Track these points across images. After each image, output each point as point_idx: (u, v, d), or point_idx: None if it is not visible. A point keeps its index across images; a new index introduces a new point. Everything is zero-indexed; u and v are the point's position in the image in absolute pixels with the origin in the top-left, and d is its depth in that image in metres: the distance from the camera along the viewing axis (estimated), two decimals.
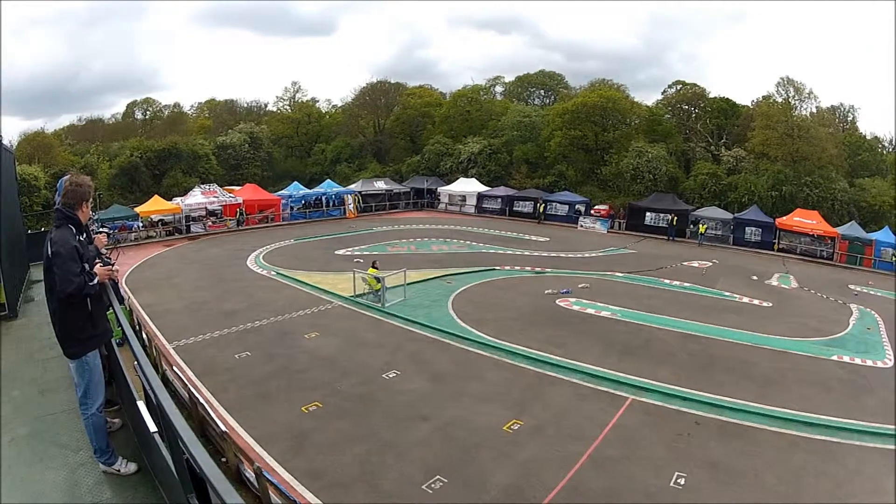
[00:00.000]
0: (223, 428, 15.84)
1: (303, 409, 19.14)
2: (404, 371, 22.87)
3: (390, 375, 22.35)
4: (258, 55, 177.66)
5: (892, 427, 19.87)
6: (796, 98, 71.30)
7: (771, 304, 36.30)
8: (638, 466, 16.69)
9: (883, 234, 54.75)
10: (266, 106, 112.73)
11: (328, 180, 75.44)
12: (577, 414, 19.97)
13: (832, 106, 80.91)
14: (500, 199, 74.21)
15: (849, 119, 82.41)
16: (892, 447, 18.65)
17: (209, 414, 16.70)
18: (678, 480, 15.99)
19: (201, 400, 17.33)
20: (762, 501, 15.28)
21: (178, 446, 5.03)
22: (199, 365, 22.46)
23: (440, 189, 78.71)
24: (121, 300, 11.28)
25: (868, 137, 79.79)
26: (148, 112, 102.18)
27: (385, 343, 26.20)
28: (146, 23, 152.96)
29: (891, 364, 26.87)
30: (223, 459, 15.06)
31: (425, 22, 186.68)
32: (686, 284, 40.19)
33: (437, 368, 23.43)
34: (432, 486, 15.17)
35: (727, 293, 38.42)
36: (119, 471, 7.69)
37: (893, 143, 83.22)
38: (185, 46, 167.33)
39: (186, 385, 18.58)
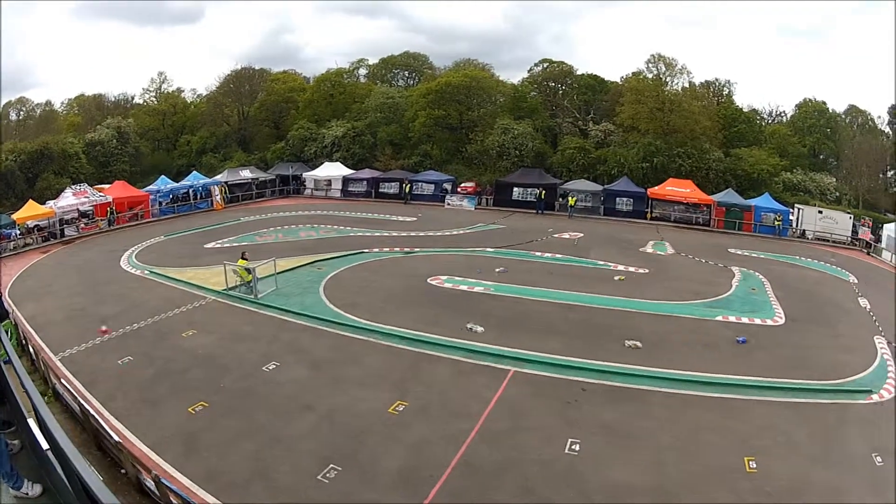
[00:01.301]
0: (117, 438, 15.79)
1: (189, 409, 19.44)
2: (283, 362, 23.47)
3: (270, 367, 22.91)
4: (127, 47, 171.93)
5: (788, 381, 21.66)
6: (667, 74, 73.47)
7: (647, 271, 38.12)
8: (529, 437, 17.75)
9: (763, 200, 58.06)
10: (133, 98, 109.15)
11: (194, 172, 74.09)
12: (460, 390, 21.00)
13: (706, 81, 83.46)
14: (365, 182, 74.57)
15: (724, 93, 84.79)
16: (793, 400, 20.38)
17: (101, 425, 16.68)
18: (572, 447, 17.08)
19: (91, 412, 17.47)
20: (662, 459, 16.49)
21: (69, 463, 5.26)
22: (86, 375, 22.37)
23: (305, 175, 78.39)
24: (4, 315, 11.66)
25: (746, 110, 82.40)
26: (21, 112, 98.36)
27: (261, 335, 26.74)
28: (21, 19, 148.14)
29: (782, 322, 28.90)
30: (122, 471, 15.32)
31: (293, 8, 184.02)
32: (559, 256, 41.85)
33: (315, 356, 24.17)
34: (327, 475, 15.79)
35: (602, 262, 40.09)
36: (28, 494, 7.29)
37: (773, 114, 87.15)
38: (57, 41, 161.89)
39: (76, 397, 18.59)
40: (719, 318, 29.13)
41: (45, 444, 6.28)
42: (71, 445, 5.11)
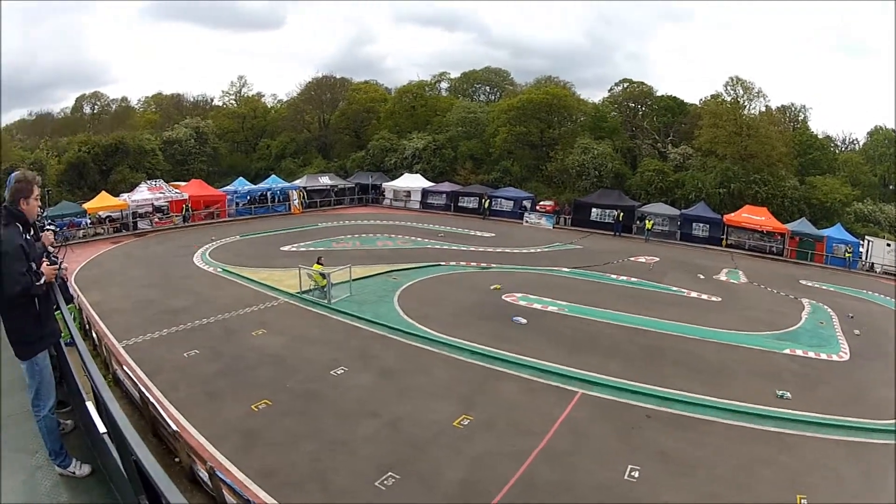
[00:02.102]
0: (174, 427, 15.63)
1: (252, 407, 19.06)
2: (351, 367, 22.89)
3: (338, 372, 22.35)
4: (205, 50, 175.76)
5: (849, 419, 20.34)
6: (745, 97, 71.87)
7: (720, 299, 36.73)
8: (590, 460, 16.89)
9: (835, 231, 56.02)
10: (212, 100, 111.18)
11: (273, 176, 74.91)
12: (527, 408, 20.13)
13: (782, 105, 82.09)
14: (444, 195, 74.23)
15: (800, 118, 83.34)
16: (849, 439, 19.08)
17: (160, 413, 16.52)
18: (632, 473, 16.18)
19: (152, 399, 17.22)
20: (716, 491, 15.50)
21: (126, 447, 5.06)
22: (149, 364, 22.28)
23: (385, 185, 78.41)
24: (69, 299, 11.31)
25: (820, 137, 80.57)
26: (96, 106, 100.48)
27: (332, 339, 26.25)
28: (96, 17, 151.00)
29: (846, 357, 27.44)
30: (176, 459, 14.99)
31: (371, 18, 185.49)
32: (633, 279, 40.60)
33: (384, 364, 23.50)
34: (385, 482, 15.17)
35: (675, 288, 38.83)
36: (74, 473, 7.49)
37: (846, 142, 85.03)
38: (133, 41, 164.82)
39: (137, 384, 18.47)
40: (786, 350, 27.85)
41: (101, 428, 6.15)
42: (131, 429, 4.79)
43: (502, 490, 15.10)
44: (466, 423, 18.76)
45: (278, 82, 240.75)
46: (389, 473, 15.58)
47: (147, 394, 17.59)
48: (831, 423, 20.09)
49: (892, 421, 20.65)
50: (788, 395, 22.13)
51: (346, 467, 15.96)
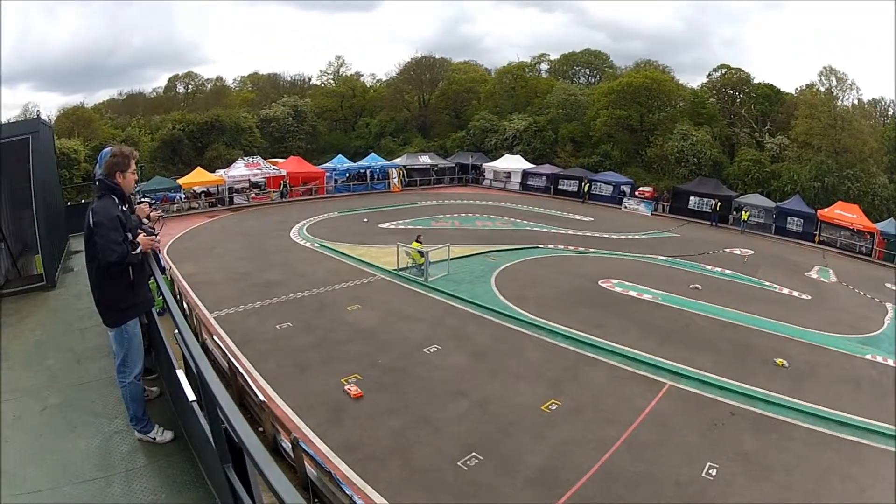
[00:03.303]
0: (262, 398, 15.85)
1: (342, 380, 19.15)
2: (444, 346, 22.84)
3: (430, 350, 22.34)
4: (299, 29, 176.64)
5: None
6: (838, 88, 69.89)
7: (809, 297, 35.79)
8: (672, 454, 16.60)
9: None
10: (310, 80, 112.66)
11: (373, 154, 75.40)
12: (614, 397, 19.90)
13: (873, 99, 79.24)
14: (544, 177, 73.72)
15: (889, 113, 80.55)
16: None
17: (248, 383, 16.75)
18: (710, 471, 15.86)
19: (240, 370, 17.34)
20: (789, 500, 15.07)
21: (216, 415, 4.94)
22: (239, 335, 22.63)
23: (485, 165, 78.41)
24: (162, 270, 11.29)
25: None
26: (190, 86, 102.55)
27: (426, 317, 26.24)
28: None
29: None
30: (260, 429, 15.08)
31: None
32: (727, 271, 39.75)
33: (477, 344, 23.39)
34: (468, 462, 15.21)
35: (767, 283, 37.94)
36: (155, 439, 7.77)
37: None
38: (224, 21, 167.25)
39: (226, 354, 18.60)
40: (868, 356, 26.72)
41: (191, 395, 6.29)
42: (227, 396, 4.60)
43: (582, 479, 14.98)
44: (554, 407, 18.61)
45: (376, 62, 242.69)
46: (473, 454, 15.64)
47: (236, 364, 17.71)
48: None
49: None
50: None
51: (429, 445, 16.06)
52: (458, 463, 15.16)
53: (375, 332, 23.97)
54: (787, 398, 20.71)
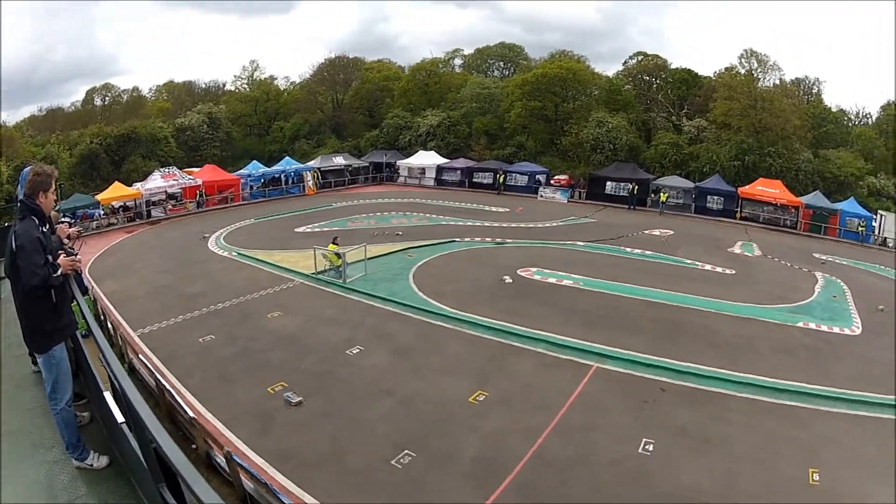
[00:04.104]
0: (191, 414, 15.72)
1: (268, 389, 19.16)
2: (367, 346, 23.03)
3: (353, 351, 22.52)
4: (215, 35, 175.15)
5: (860, 393, 20.26)
6: (759, 70, 71.96)
7: (734, 272, 36.80)
8: (604, 434, 16.98)
9: (848, 205, 55.84)
10: (224, 86, 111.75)
11: (287, 158, 75.06)
12: (542, 383, 20.25)
13: (797, 78, 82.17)
14: (459, 171, 74.49)
15: (814, 91, 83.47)
16: (863, 413, 19.05)
17: (176, 400, 16.63)
18: (646, 447, 16.26)
19: (168, 386, 17.22)
20: (731, 464, 15.61)
21: (145, 436, 5.05)
22: (165, 351, 22.38)
23: (399, 162, 78.74)
24: (84, 291, 11.44)
25: (833, 110, 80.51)
26: (107, 98, 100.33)
27: (347, 319, 26.39)
28: (103, 8, 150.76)
29: (858, 332, 27.34)
30: (193, 446, 15.09)
31: None
32: (648, 252, 40.77)
33: (399, 342, 23.69)
34: (401, 460, 15.34)
35: (689, 261, 38.87)
36: (92, 465, 7.59)
37: (859, 115, 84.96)
38: (143, 30, 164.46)
39: (153, 372, 18.51)
40: (800, 324, 27.82)
41: (120, 418, 6.25)
42: (152, 417, 4.76)
43: (517, 467, 15.20)
44: (482, 399, 18.88)
45: (291, 65, 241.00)
46: (405, 451, 15.72)
47: (163, 381, 17.67)
48: (845, 397, 20.08)
49: None
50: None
51: (362, 447, 16.07)
52: (392, 462, 15.28)
53: (297, 337, 24.06)
54: (720, 370, 21.45)
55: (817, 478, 15.29)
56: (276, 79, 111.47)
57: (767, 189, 58.62)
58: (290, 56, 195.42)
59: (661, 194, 61.73)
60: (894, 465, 15.73)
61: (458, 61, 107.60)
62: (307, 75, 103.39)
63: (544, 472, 15.08)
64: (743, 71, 72.25)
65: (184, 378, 20.08)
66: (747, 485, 14.98)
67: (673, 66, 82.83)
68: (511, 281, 30.94)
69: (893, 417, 18.94)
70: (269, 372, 20.58)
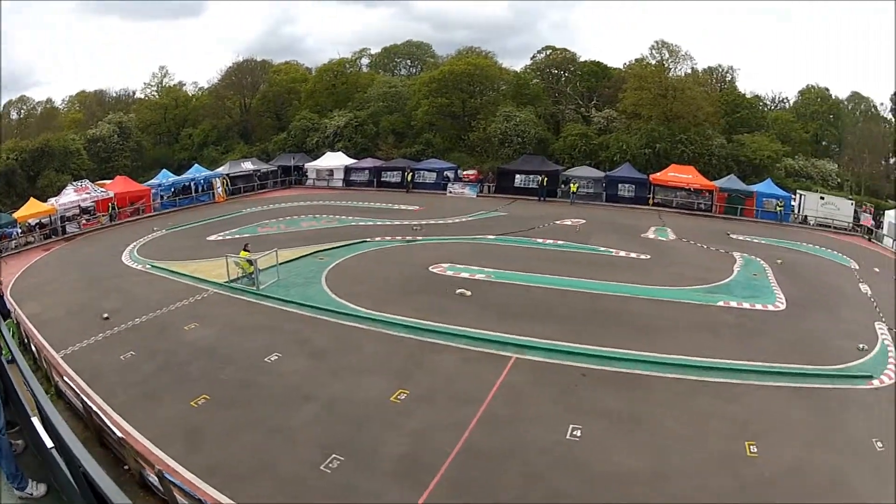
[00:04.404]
0: (119, 434, 15.73)
1: (192, 403, 19.36)
2: (285, 352, 23.42)
3: (272, 358, 22.88)
4: (128, 42, 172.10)
5: (789, 366, 21.75)
6: (671, 60, 74.01)
7: (649, 257, 38.26)
8: (531, 423, 17.79)
9: (765, 186, 58.23)
10: (134, 94, 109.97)
11: (196, 165, 74.08)
12: (462, 378, 21.05)
13: (709, 67, 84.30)
14: (367, 171, 74.61)
15: (727, 79, 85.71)
16: (794, 385, 20.46)
17: (104, 421, 16.64)
18: (574, 433, 17.13)
19: (94, 408, 17.39)
20: (664, 444, 16.57)
21: (74, 461, 5.18)
22: (88, 372, 22.29)
23: (307, 165, 78.36)
24: (7, 315, 11.75)
25: (749, 96, 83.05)
26: (22, 111, 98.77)
27: (263, 326, 26.76)
28: (19, 18, 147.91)
29: (783, 307, 28.90)
30: (125, 467, 15.27)
31: None
32: (560, 242, 41.94)
33: (316, 346, 24.20)
34: (329, 465, 15.75)
35: (603, 248, 40.13)
36: (32, 494, 7.21)
37: (776, 101, 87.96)
38: (56, 40, 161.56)
39: (79, 394, 18.55)
40: (720, 303, 29.23)
41: (49, 443, 6.13)
42: (77, 442, 5.11)
43: (446, 461, 15.83)
44: (403, 397, 19.55)
45: (202, 70, 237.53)
46: (333, 455, 16.12)
47: (89, 403, 17.73)
48: (773, 370, 21.36)
49: (834, 366, 22.13)
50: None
51: (289, 454, 16.46)
52: (321, 467, 15.65)
53: (215, 348, 24.25)
54: (641, 353, 22.54)
55: (755, 450, 16.33)
56: (185, 85, 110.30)
57: (680, 175, 60.48)
58: (202, 60, 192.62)
59: (572, 185, 62.88)
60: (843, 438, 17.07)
61: (365, 61, 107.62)
62: (215, 80, 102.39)
63: (475, 466, 15.73)
64: (654, 62, 74.06)
65: (109, 398, 19.97)
66: (682, 462, 15.88)
67: (582, 59, 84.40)
68: (470, 294, 30.73)
69: (823, 386, 20.49)
70: (191, 385, 20.73)
